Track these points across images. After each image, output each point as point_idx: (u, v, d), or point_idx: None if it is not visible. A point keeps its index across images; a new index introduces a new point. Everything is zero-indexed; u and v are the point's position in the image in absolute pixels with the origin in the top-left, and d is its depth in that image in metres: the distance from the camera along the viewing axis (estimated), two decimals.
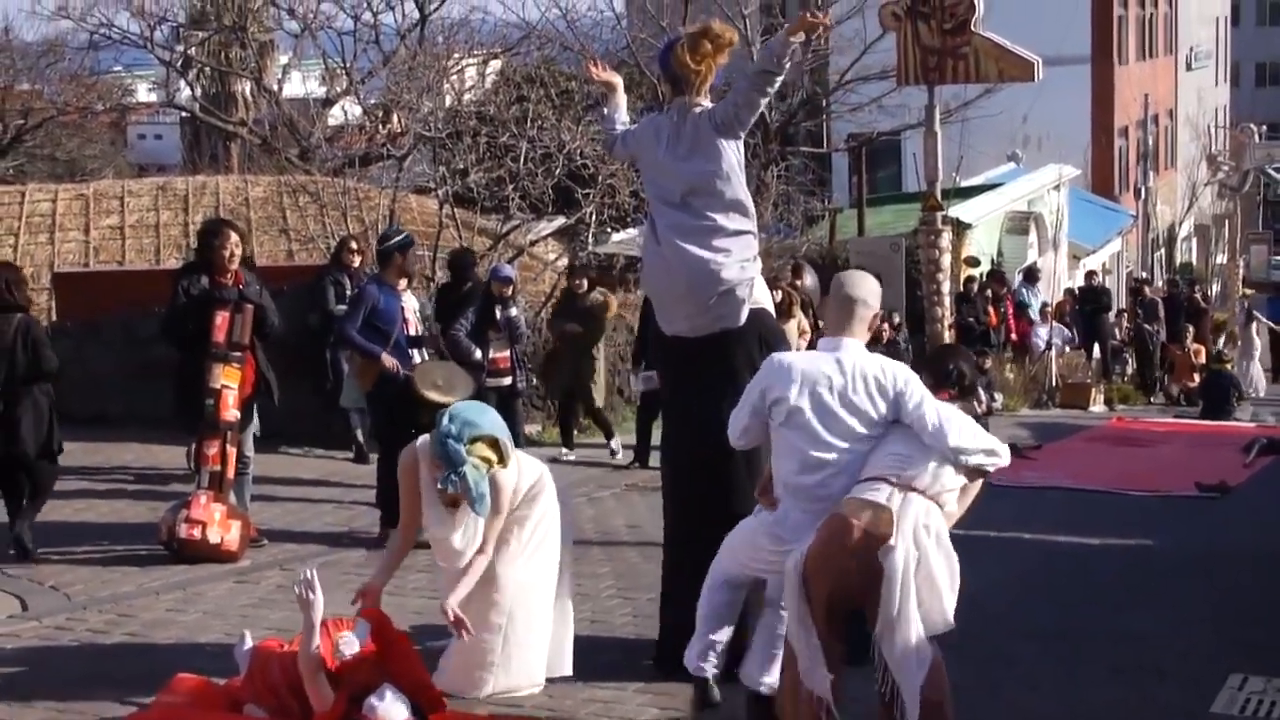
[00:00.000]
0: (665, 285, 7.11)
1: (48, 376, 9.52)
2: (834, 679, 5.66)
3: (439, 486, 6.49)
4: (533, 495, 6.82)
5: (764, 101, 6.91)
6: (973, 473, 5.82)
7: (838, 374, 5.84)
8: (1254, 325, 28.35)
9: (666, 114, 7.15)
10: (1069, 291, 28.38)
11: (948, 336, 18.51)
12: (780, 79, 6.84)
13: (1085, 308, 26.37)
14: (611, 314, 14.71)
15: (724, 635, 6.34)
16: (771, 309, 7.28)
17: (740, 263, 6.95)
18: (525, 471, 6.82)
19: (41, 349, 9.44)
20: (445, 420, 6.52)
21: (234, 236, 9.91)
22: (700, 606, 6.36)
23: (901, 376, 5.84)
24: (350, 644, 6.24)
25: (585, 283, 14.45)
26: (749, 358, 6.97)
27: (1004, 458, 5.87)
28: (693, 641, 6.39)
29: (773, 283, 13.51)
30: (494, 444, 6.57)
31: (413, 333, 10.53)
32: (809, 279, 16.02)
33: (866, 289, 6.06)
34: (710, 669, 6.35)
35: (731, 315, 6.98)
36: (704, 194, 6.91)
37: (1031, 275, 26.54)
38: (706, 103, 6.98)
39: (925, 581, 5.58)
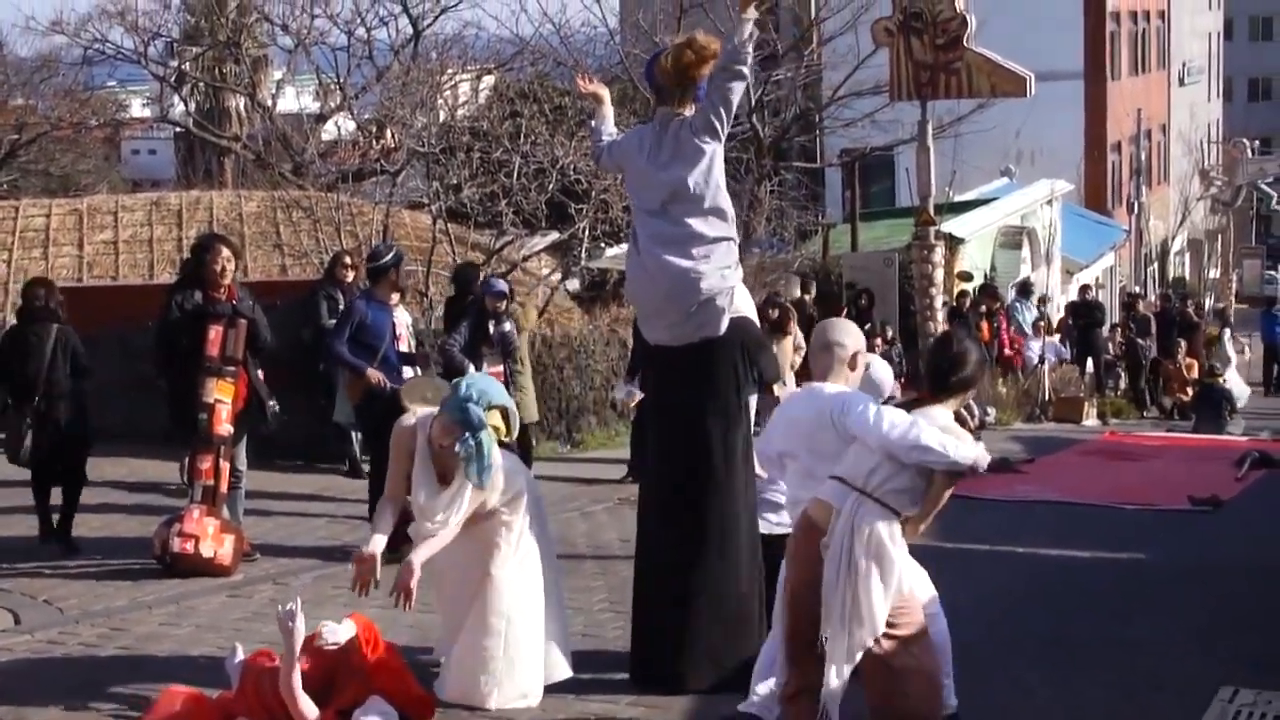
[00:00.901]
0: (647, 294, 7.15)
1: (83, 381, 10.28)
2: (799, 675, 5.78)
3: (456, 450, 6.52)
4: (515, 495, 6.85)
5: (737, 97, 6.96)
6: (939, 476, 5.70)
7: (806, 420, 6.29)
8: (1227, 340, 28.53)
9: (651, 124, 7.20)
10: (1070, 305, 28.42)
11: None
12: (747, 66, 6.90)
13: (1078, 322, 26.42)
14: (530, 325, 14.56)
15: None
16: (754, 315, 7.30)
17: (720, 270, 6.98)
18: (508, 469, 6.85)
19: (79, 358, 10.20)
20: (463, 386, 6.62)
21: (227, 251, 9.92)
22: (763, 652, 6.36)
23: (838, 405, 6.12)
24: (334, 633, 6.24)
25: None
26: (731, 365, 7.04)
27: (962, 457, 5.64)
28: (754, 681, 6.29)
29: (771, 300, 13.55)
30: (504, 414, 6.69)
31: (404, 348, 10.53)
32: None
33: (839, 332, 6.53)
34: (757, 708, 6.23)
35: (712, 324, 7.01)
36: (683, 200, 6.94)
37: (1025, 290, 26.60)
38: (689, 112, 7.02)
39: (857, 586, 5.60)
